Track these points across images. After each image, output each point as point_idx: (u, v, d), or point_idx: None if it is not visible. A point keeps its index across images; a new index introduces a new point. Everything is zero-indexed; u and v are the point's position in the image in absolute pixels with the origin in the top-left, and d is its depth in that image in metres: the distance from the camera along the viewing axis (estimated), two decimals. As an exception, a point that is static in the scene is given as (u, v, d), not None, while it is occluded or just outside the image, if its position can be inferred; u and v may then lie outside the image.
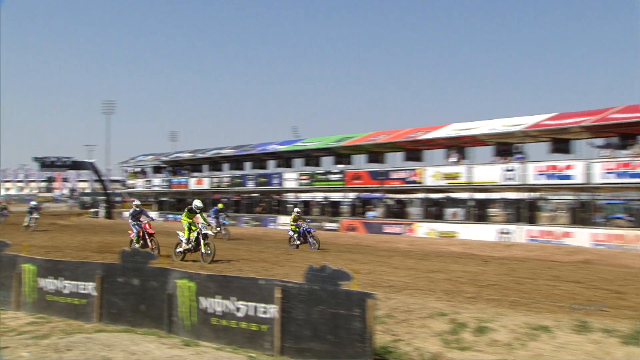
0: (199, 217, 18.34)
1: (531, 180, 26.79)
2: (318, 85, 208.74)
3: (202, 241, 17.75)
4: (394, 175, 33.10)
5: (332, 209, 38.02)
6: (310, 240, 23.44)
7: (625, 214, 27.88)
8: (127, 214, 49.93)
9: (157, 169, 53.71)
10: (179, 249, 18.26)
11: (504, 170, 27.87)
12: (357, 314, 6.61)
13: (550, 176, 26.19)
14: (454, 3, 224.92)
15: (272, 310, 7.40)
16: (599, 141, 26.46)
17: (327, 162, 39.32)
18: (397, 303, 9.58)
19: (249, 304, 7.65)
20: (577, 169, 25.13)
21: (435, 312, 8.92)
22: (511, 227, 27.24)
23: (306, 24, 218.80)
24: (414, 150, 33.62)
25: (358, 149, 36.56)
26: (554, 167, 26.14)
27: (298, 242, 23.76)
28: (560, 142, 27.55)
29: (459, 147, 30.96)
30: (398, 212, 33.61)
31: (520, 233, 26.60)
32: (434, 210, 32.29)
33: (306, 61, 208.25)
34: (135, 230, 19.66)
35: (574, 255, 21.91)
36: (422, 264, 18.93)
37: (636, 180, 23.32)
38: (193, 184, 47.62)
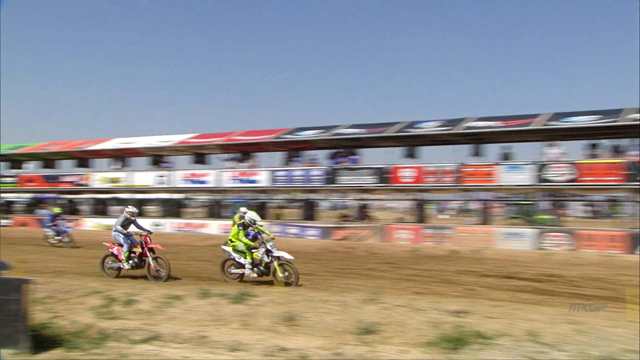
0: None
1: (178, 184, 27.42)
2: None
3: (275, 263, 10.97)
4: (66, 179, 30.98)
5: (7, 208, 33.69)
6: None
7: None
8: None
9: None
10: (236, 270, 11.45)
11: (157, 176, 28.00)
12: (14, 298, 6.09)
13: (192, 181, 27.14)
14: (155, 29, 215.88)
15: None
16: (226, 156, 28.14)
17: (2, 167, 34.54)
18: (59, 285, 9.03)
19: None
20: (211, 176, 26.56)
21: (92, 291, 8.64)
22: (163, 221, 27.48)
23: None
24: (83, 159, 31.79)
25: (32, 156, 33.07)
26: (195, 175, 27.19)
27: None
28: (200, 156, 28.64)
29: (122, 157, 30.14)
30: (70, 209, 31.26)
31: (170, 225, 26.98)
32: (101, 208, 31.24)
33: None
34: (126, 245, 12.06)
35: (207, 241, 23.00)
36: (86, 252, 17.98)
37: (251, 185, 25.70)
38: None
